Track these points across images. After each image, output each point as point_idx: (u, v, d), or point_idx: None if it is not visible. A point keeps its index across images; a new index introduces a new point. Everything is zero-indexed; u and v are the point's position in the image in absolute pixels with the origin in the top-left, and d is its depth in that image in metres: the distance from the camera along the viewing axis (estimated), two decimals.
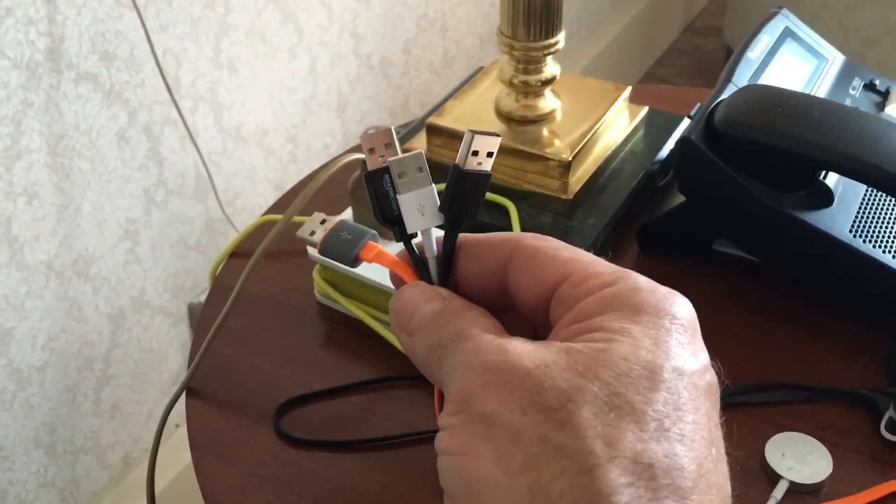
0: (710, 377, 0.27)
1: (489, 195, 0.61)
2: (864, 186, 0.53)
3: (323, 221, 0.34)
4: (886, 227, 0.51)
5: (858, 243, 0.50)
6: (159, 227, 0.95)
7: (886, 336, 0.52)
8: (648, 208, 0.61)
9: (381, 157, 0.31)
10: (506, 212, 0.60)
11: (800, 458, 0.45)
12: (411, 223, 0.31)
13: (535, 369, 0.26)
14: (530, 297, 0.30)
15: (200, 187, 0.98)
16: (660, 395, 0.25)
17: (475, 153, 0.31)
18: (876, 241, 0.50)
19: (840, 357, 0.52)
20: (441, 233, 0.32)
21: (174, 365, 1.03)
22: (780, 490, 0.44)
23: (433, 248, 0.31)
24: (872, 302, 0.51)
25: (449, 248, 0.31)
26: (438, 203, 0.31)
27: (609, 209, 0.60)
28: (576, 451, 0.24)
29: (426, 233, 0.31)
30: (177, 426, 1.05)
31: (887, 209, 0.53)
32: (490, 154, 0.31)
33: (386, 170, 0.31)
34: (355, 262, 0.35)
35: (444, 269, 0.31)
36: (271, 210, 0.65)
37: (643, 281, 0.28)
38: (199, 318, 0.55)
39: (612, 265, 0.29)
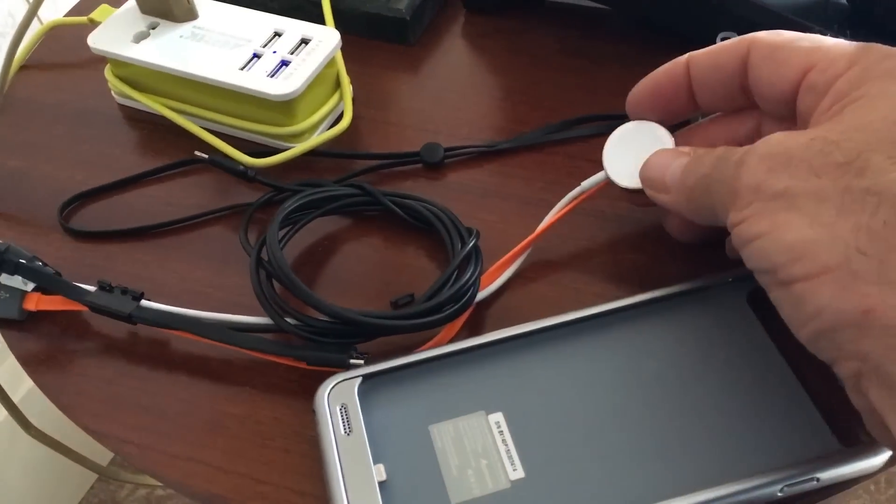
0: None
1: None
2: None
3: None
4: None
5: None
6: None
7: None
8: None
9: None
10: None
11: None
12: None
13: (811, 141, 0.28)
14: (775, 91, 0.32)
15: None
16: None
17: None
18: None
19: None
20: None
21: None
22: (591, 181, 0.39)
23: None
24: (687, 24, 0.48)
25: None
26: None
27: None
28: (884, 186, 0.25)
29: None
30: None
31: None
32: None
33: None
34: (22, 315, 0.39)
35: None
36: (72, 14, 0.59)
37: (890, 49, 0.29)
38: None
39: (855, 43, 0.30)
